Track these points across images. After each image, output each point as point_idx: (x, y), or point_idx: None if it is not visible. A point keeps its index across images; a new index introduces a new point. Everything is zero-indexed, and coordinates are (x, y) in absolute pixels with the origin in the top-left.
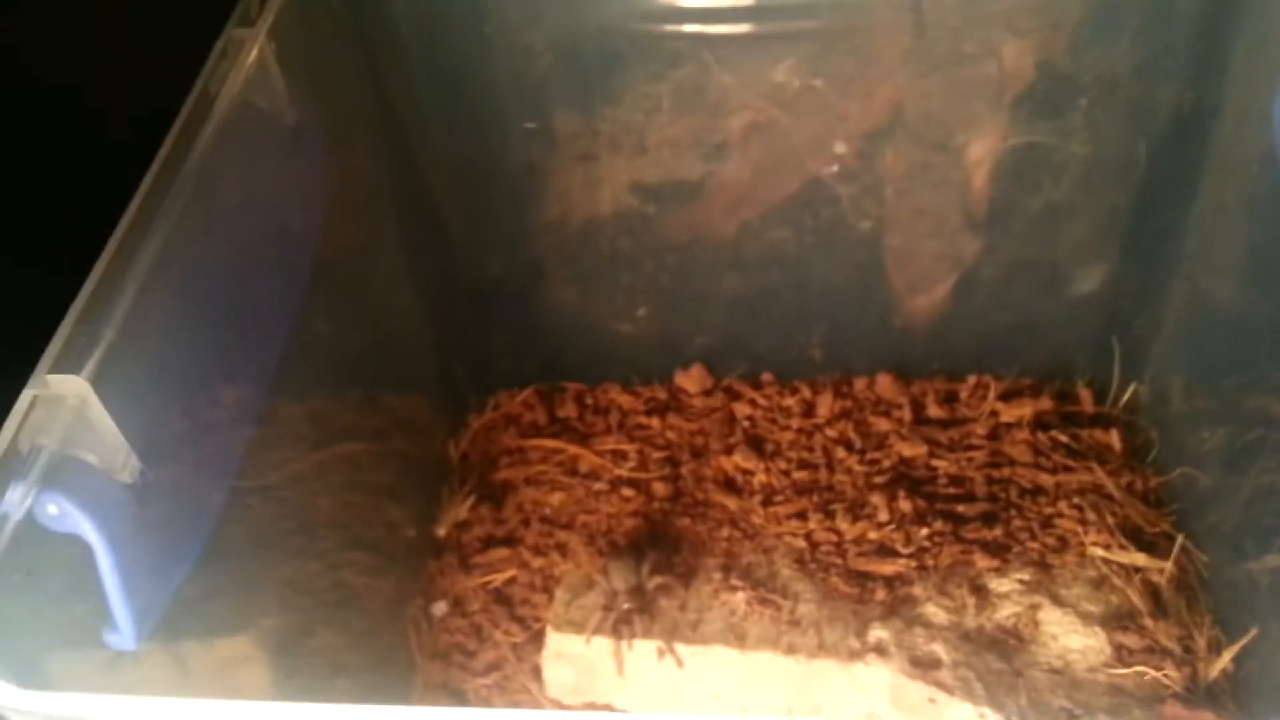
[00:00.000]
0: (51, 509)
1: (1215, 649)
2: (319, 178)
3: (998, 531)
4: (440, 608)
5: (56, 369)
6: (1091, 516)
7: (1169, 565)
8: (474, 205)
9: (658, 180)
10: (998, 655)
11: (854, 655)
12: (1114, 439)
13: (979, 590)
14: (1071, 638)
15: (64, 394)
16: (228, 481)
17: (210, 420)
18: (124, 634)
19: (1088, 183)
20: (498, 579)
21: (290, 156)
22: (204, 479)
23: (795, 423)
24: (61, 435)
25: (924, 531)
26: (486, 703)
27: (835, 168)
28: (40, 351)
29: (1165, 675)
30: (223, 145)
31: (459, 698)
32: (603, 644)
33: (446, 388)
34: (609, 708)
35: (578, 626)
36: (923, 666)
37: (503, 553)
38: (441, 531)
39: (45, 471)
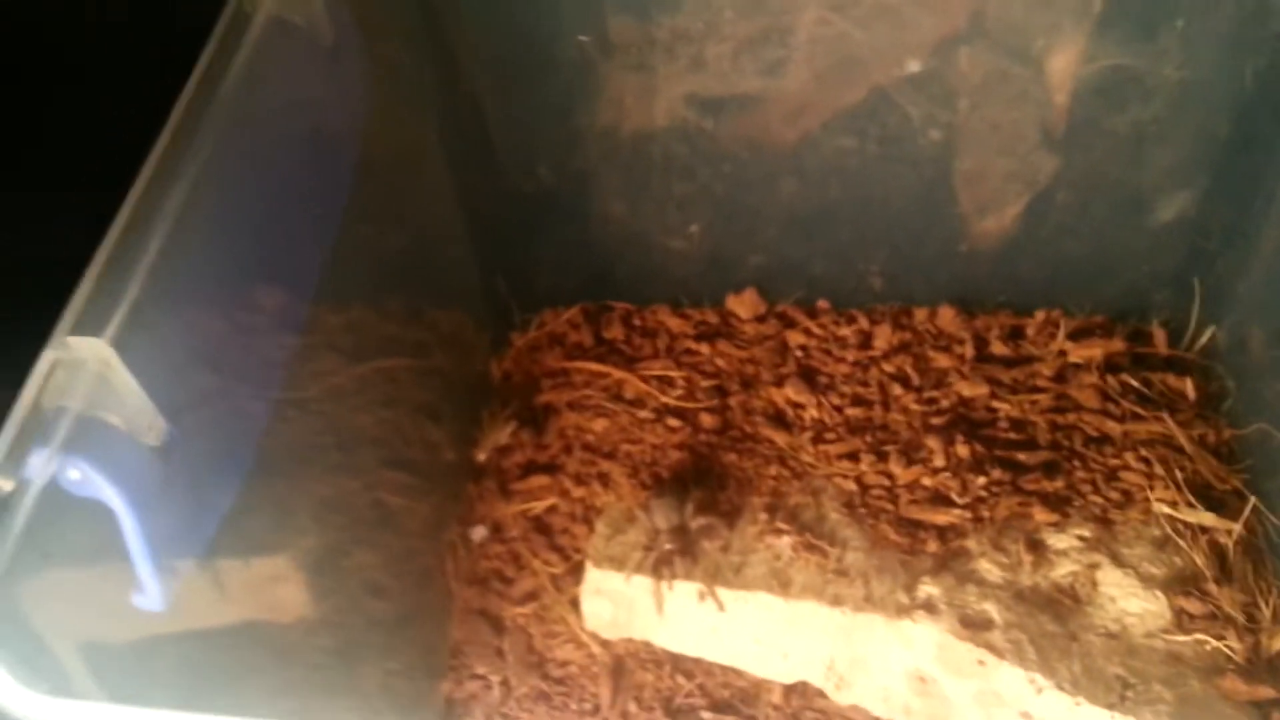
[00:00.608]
0: (74, 474)
1: None
2: (358, 94)
3: (1059, 483)
4: (479, 533)
5: (78, 331)
6: (1159, 470)
7: (1238, 527)
8: (520, 112)
9: (716, 93)
10: (1052, 616)
11: (902, 611)
12: (1188, 386)
13: (1036, 546)
14: (1130, 600)
15: (85, 358)
16: (259, 433)
17: (243, 366)
18: (151, 596)
19: (1181, 107)
20: (537, 507)
21: (329, 74)
22: (235, 430)
23: (851, 355)
24: (84, 400)
25: (981, 480)
26: (524, 631)
27: (905, 76)
28: (65, 295)
29: (1226, 645)
30: (258, 68)
31: (495, 625)
32: (643, 582)
33: (490, 303)
34: (646, 644)
35: (618, 563)
36: (973, 627)
37: (543, 480)
38: (481, 455)
39: (67, 437)
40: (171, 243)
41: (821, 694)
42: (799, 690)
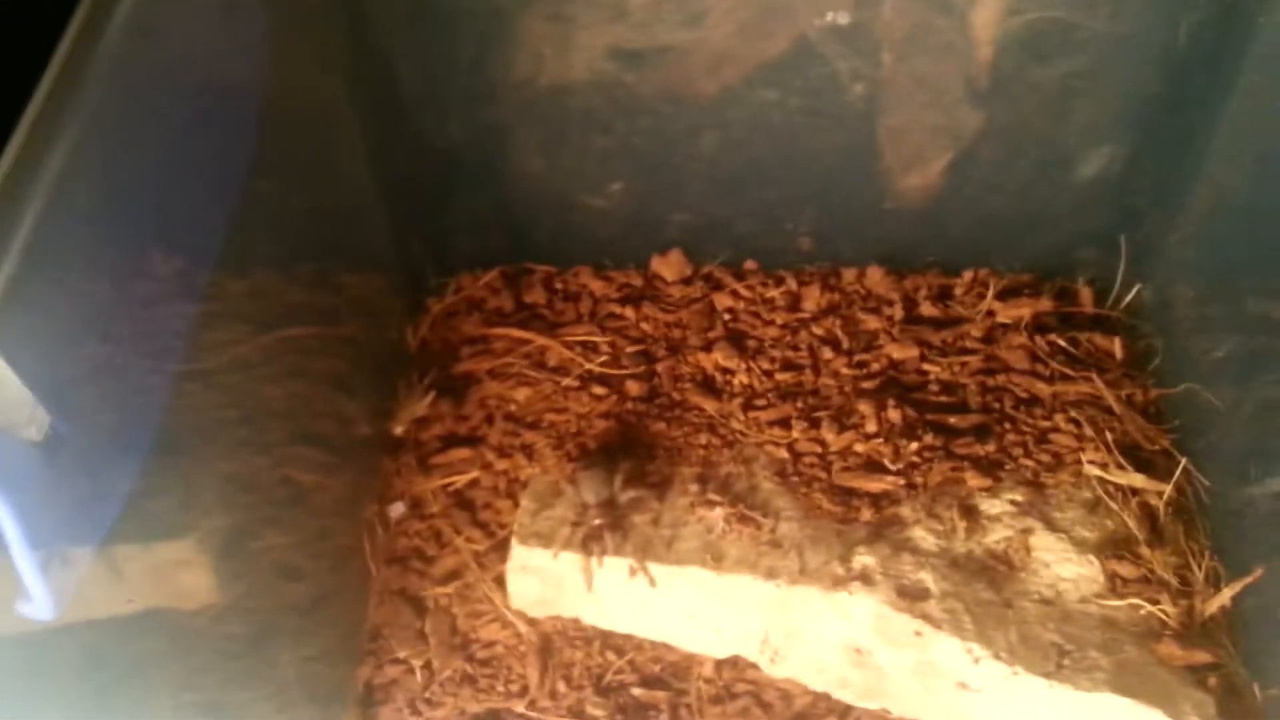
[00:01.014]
0: None
1: (1213, 581)
2: (260, 45)
3: (991, 447)
4: (397, 509)
5: None
6: (1089, 432)
7: (1168, 488)
8: (432, 64)
9: (637, 44)
10: (987, 584)
11: (838, 582)
12: (1115, 345)
13: (969, 512)
14: (1064, 565)
15: None
16: (159, 409)
17: (139, 338)
18: (39, 604)
19: (1109, 61)
20: (459, 481)
21: (226, 24)
22: (134, 408)
23: (780, 317)
24: None
25: (913, 445)
26: (446, 612)
27: (829, 27)
28: None
29: (1161, 610)
30: (145, 16)
31: (416, 606)
32: (571, 559)
33: (404, 268)
34: (575, 622)
35: (545, 540)
36: (910, 597)
37: (464, 453)
38: (398, 429)
39: None
40: (50, 210)
41: (754, 666)
42: (731, 663)
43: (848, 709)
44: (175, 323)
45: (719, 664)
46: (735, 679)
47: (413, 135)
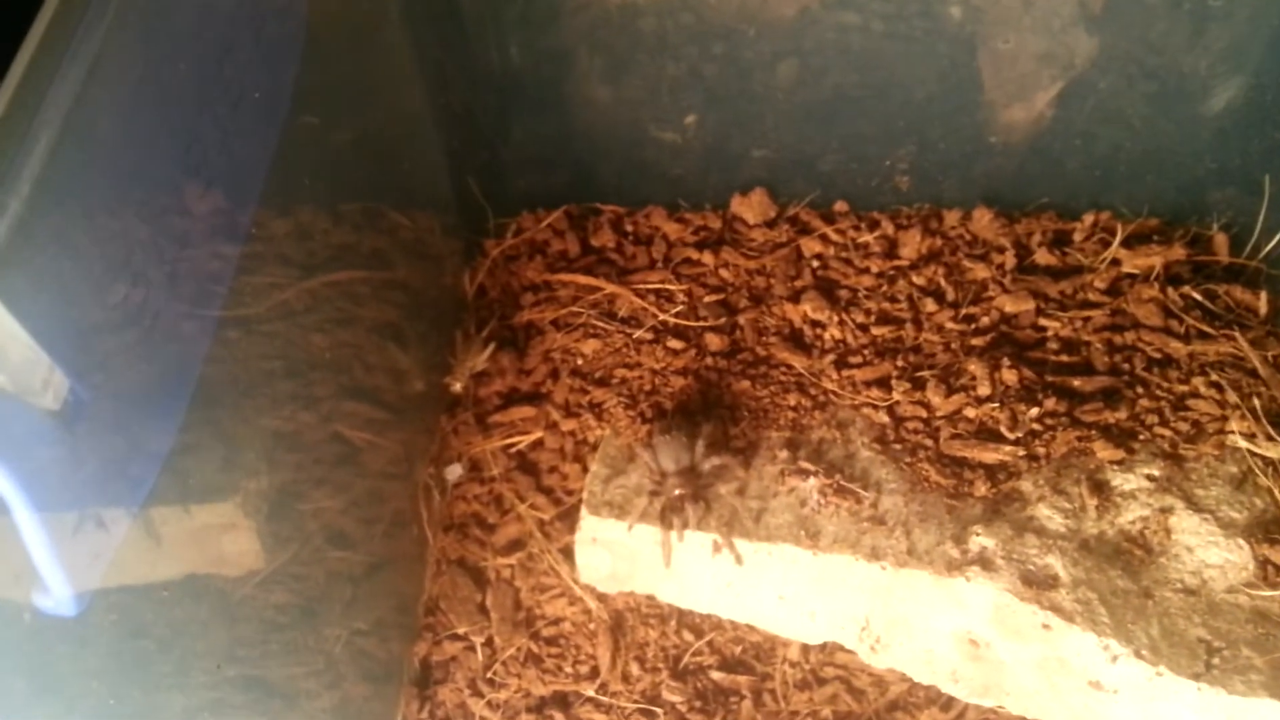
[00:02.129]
0: None
1: None
2: None
3: (1121, 414)
4: (455, 471)
5: None
6: (1232, 397)
7: None
8: None
9: None
10: (1122, 570)
11: (953, 566)
12: (1260, 300)
13: (1100, 488)
14: (1209, 550)
15: None
16: (198, 359)
17: (174, 280)
18: (58, 596)
19: None
20: (521, 441)
21: None
22: (168, 364)
23: (875, 265)
24: None
25: (1033, 411)
26: (509, 584)
27: None
28: None
29: None
30: None
31: (476, 577)
32: (648, 532)
33: (460, 206)
34: (650, 599)
35: (618, 510)
36: (1036, 585)
37: (527, 411)
38: (456, 384)
39: None
40: (67, 136)
41: (844, 649)
42: (819, 645)
43: (949, 701)
44: (213, 264)
45: (805, 647)
46: (824, 662)
47: (470, 60)
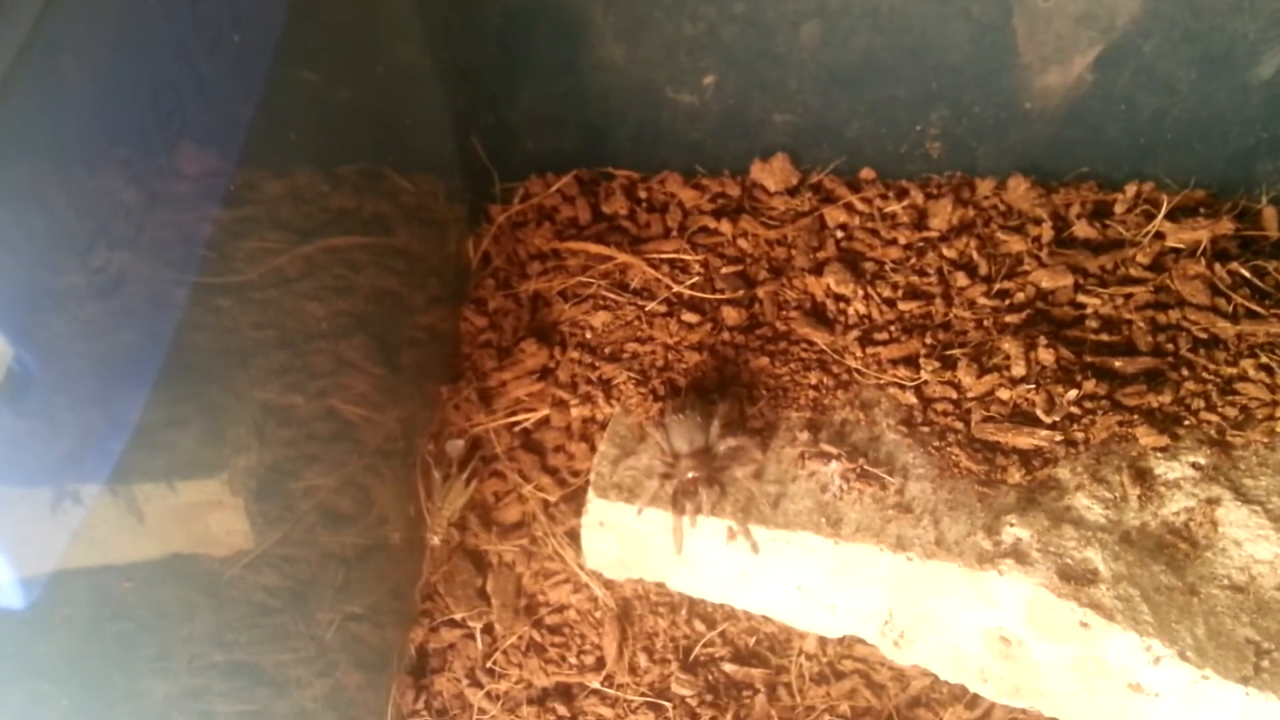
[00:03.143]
0: None
1: None
2: None
3: (1165, 397)
4: (455, 448)
5: None
6: None
7: None
8: None
9: None
10: (1166, 565)
11: (984, 559)
12: None
13: (1142, 476)
14: (1258, 545)
15: None
16: (173, 324)
17: (153, 243)
18: (6, 588)
19: None
20: (526, 419)
21: None
22: (149, 331)
23: (903, 236)
24: None
25: (1071, 393)
26: (511, 569)
27: None
28: None
29: None
30: None
31: (477, 561)
32: (659, 516)
33: (465, 169)
34: (660, 587)
35: (628, 493)
36: (1074, 581)
37: (533, 386)
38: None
39: None
40: (26, 85)
41: (863, 642)
42: (839, 638)
43: (975, 698)
44: (201, 227)
45: (823, 639)
46: (842, 655)
47: (476, 15)
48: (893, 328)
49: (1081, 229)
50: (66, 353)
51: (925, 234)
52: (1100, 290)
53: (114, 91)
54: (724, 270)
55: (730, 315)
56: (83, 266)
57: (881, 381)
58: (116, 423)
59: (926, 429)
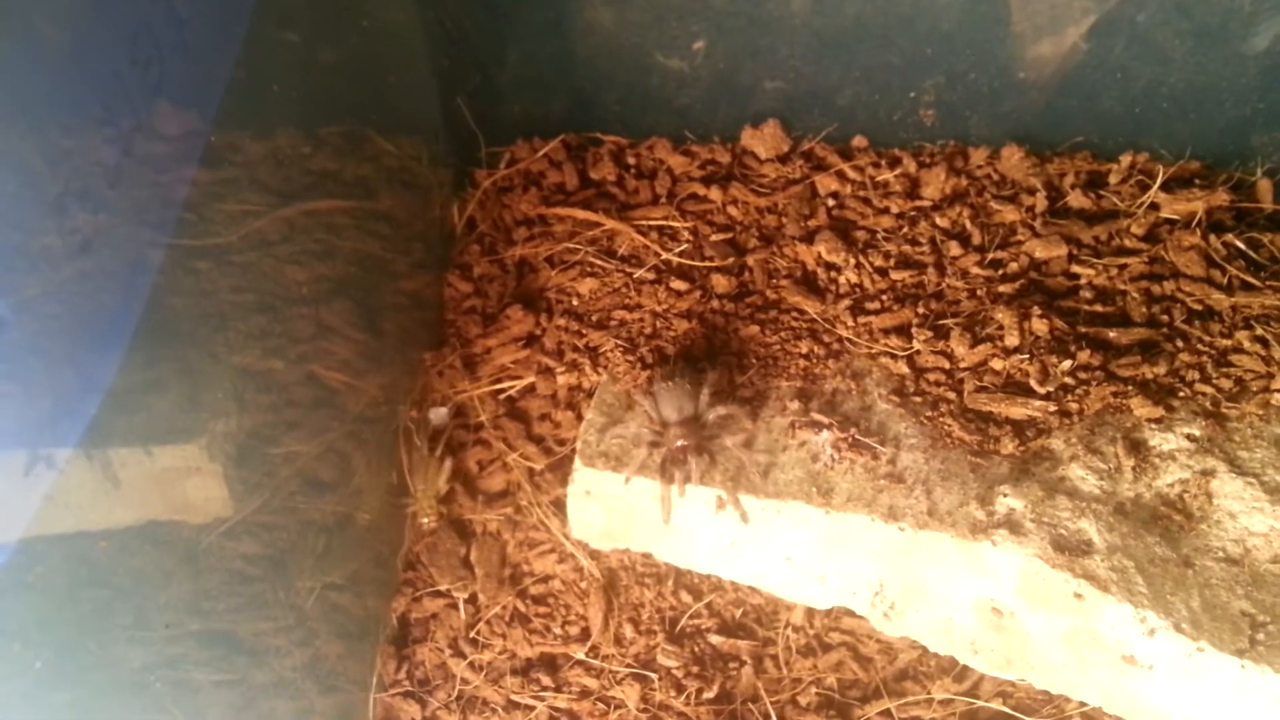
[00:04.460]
0: None
1: None
2: None
3: (1160, 368)
4: (439, 416)
5: None
6: (1278, 353)
7: None
8: None
9: None
10: (1160, 537)
11: (977, 529)
12: None
13: (1136, 448)
14: (1253, 517)
15: None
16: (147, 286)
17: (129, 203)
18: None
19: None
20: (512, 386)
21: None
22: (124, 293)
23: (895, 205)
24: None
25: (1065, 364)
26: (495, 539)
27: None
28: None
29: None
30: None
31: (460, 530)
32: (646, 485)
33: (450, 133)
34: (646, 557)
35: (615, 462)
36: (1069, 552)
37: (518, 353)
38: (424, 518)
39: None
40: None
41: (851, 613)
42: (827, 610)
43: (964, 671)
44: (180, 189)
45: (811, 611)
46: (829, 628)
47: None
48: (884, 297)
49: (1076, 199)
50: (40, 314)
51: (918, 203)
52: (1094, 261)
53: (90, 33)
54: (713, 238)
55: (720, 283)
56: (57, 227)
57: (873, 351)
58: (90, 385)
59: (919, 399)
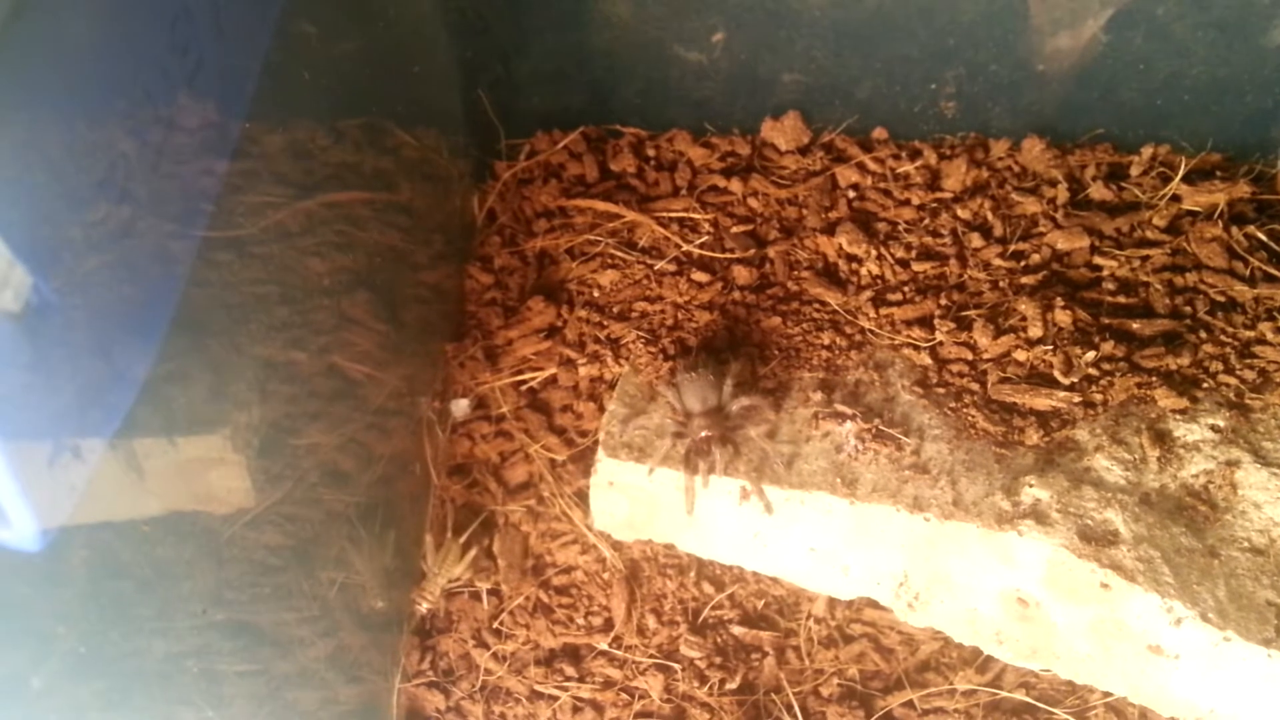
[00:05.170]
0: None
1: None
2: None
3: (1184, 359)
4: (461, 408)
5: None
6: None
7: None
8: None
9: None
10: (1186, 527)
11: (1003, 519)
12: None
13: (1161, 438)
14: (1278, 507)
15: None
16: (183, 286)
17: (159, 196)
18: (18, 527)
19: None
20: (533, 378)
21: None
22: (152, 284)
23: (916, 196)
24: None
25: (1089, 355)
26: (518, 530)
27: None
28: None
29: None
30: None
31: (483, 521)
32: (670, 476)
33: (470, 125)
34: (669, 549)
35: (638, 453)
36: (1095, 542)
37: (539, 344)
38: (423, 604)
39: None
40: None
41: (874, 604)
42: (846, 601)
43: (986, 661)
44: (203, 181)
45: (833, 602)
46: (851, 619)
47: None
48: (906, 288)
49: (1097, 191)
50: (68, 306)
51: (939, 194)
52: (1117, 252)
53: (133, 16)
54: (734, 229)
55: (741, 274)
56: (86, 219)
57: (895, 342)
58: (120, 376)
59: (942, 390)
